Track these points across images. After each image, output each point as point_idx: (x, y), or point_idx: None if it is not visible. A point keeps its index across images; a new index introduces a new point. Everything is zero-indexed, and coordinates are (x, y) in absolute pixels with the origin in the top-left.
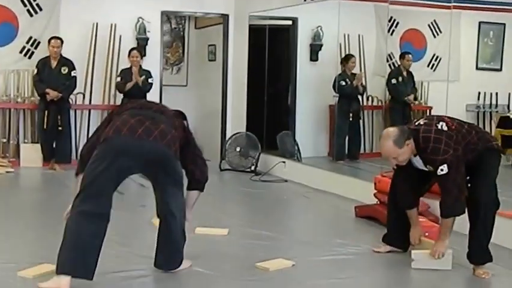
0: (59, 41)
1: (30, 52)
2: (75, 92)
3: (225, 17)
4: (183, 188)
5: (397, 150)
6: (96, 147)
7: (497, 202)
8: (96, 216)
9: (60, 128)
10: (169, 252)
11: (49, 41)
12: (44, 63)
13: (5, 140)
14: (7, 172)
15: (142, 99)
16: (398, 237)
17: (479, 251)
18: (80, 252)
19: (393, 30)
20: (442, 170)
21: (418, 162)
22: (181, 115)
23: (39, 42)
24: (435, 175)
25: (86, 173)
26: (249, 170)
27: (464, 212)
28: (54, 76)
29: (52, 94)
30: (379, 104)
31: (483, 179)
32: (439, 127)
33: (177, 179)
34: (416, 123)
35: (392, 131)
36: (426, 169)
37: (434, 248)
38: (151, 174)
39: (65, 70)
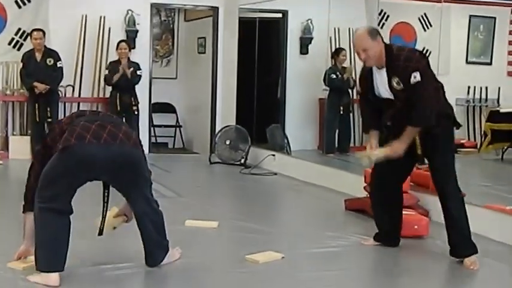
0: (40, 32)
1: (19, 44)
2: (64, 84)
3: (214, 10)
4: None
5: (369, 41)
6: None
7: (458, 187)
8: (60, 212)
9: (49, 120)
10: (149, 250)
11: (31, 33)
12: (29, 56)
13: None
14: None
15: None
16: (388, 237)
17: (461, 244)
18: (51, 249)
19: (383, 24)
20: (415, 77)
21: (382, 82)
22: None
23: (28, 34)
24: (405, 88)
25: (45, 175)
26: (238, 163)
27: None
28: (40, 69)
29: (40, 87)
30: None
31: (443, 166)
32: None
33: (147, 176)
34: None
35: (366, 25)
36: (387, 94)
37: (393, 146)
38: (119, 177)
39: (50, 62)
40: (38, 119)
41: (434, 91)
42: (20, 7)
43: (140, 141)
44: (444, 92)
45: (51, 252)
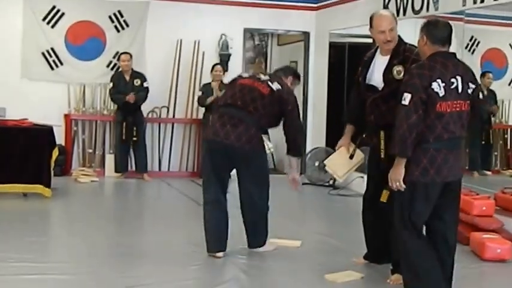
0: (128, 55)
1: (116, 66)
2: (159, 105)
3: (306, 34)
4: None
5: (395, 23)
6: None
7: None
8: (207, 203)
9: (135, 139)
10: (247, 234)
11: (119, 56)
12: (118, 77)
13: (91, 151)
14: (92, 181)
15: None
16: (379, 257)
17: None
18: (211, 234)
19: (474, 49)
20: None
21: (379, 68)
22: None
23: None
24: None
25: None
26: (327, 184)
27: None
28: (129, 88)
29: (130, 97)
30: None
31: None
32: None
33: (259, 173)
34: None
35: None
36: (378, 82)
37: None
38: (235, 166)
39: (137, 82)
40: (124, 138)
41: None
42: (118, 31)
43: (259, 140)
44: None
45: (208, 238)
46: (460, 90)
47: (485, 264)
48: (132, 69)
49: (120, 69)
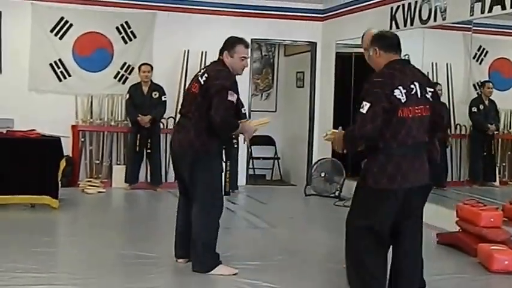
0: (149, 66)
1: (124, 78)
2: (166, 116)
3: (313, 45)
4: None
5: None
6: None
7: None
8: (181, 208)
9: (149, 151)
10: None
11: (140, 67)
12: (135, 89)
13: (98, 162)
14: (99, 192)
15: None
16: None
17: None
18: (175, 239)
19: (482, 59)
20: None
21: None
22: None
23: (132, 68)
24: None
25: None
26: (333, 195)
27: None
28: (146, 101)
29: (143, 121)
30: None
31: None
32: None
33: (205, 181)
34: None
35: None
36: None
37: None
38: (185, 174)
39: (156, 95)
40: (137, 149)
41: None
42: (126, 42)
43: (203, 144)
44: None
45: (175, 241)
46: (419, 95)
47: (493, 276)
48: (151, 81)
49: (139, 81)
